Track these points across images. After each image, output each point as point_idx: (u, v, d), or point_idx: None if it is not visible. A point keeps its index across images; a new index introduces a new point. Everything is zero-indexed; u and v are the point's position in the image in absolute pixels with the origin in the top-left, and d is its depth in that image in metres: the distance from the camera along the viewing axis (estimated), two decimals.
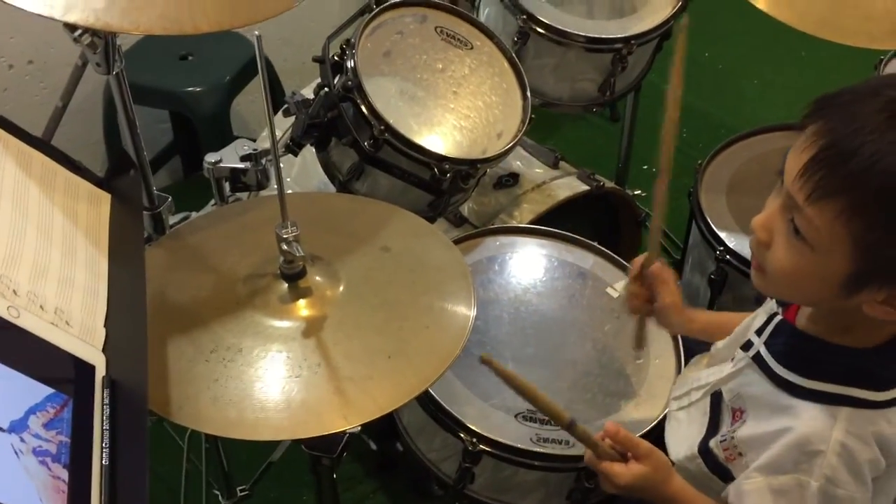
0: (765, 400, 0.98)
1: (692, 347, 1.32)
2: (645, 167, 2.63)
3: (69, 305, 0.87)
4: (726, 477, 1.03)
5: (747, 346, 1.03)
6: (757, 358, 1.00)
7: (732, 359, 1.07)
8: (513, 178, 1.73)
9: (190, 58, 2.29)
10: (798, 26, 1.44)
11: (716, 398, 1.08)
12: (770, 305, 1.06)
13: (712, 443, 1.04)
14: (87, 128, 2.30)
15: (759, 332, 1.03)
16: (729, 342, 1.14)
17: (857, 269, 0.84)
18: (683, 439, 1.11)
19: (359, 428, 1.25)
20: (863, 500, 0.92)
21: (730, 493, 1.00)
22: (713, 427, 1.06)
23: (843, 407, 0.91)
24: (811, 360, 0.95)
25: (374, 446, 1.80)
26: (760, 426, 0.97)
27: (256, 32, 0.88)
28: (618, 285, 1.46)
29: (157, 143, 2.51)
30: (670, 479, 1.05)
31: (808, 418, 0.92)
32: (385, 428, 1.49)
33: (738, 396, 1.03)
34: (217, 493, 1.77)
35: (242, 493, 1.78)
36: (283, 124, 2.01)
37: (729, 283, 1.57)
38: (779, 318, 1.01)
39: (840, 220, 0.82)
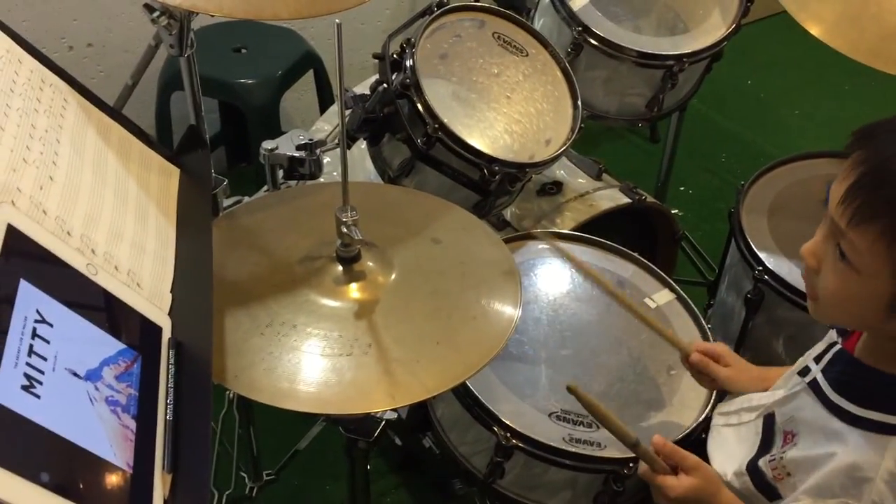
0: (817, 424, 1.00)
1: None
2: (682, 188, 2.65)
3: (140, 269, 0.91)
4: (772, 496, 1.05)
5: (804, 371, 1.06)
6: (813, 384, 1.03)
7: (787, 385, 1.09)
8: (556, 186, 1.76)
9: (243, 51, 2.35)
10: (850, 55, 1.46)
11: (769, 420, 1.10)
12: (830, 335, 1.08)
13: (762, 462, 1.06)
14: (140, 113, 2.36)
15: (817, 360, 1.05)
16: (784, 378, 1.15)
17: None
18: (732, 456, 1.13)
19: (395, 415, 1.29)
20: None
21: None
22: (764, 447, 1.08)
23: (894, 437, 0.93)
24: (865, 389, 0.97)
25: (398, 442, 1.83)
26: (811, 449, 0.99)
27: (337, 21, 0.91)
28: (656, 296, 1.48)
29: None
30: (720, 491, 1.07)
31: (858, 445, 0.94)
32: (416, 420, 1.52)
33: (791, 420, 1.05)
34: (244, 475, 1.81)
35: (269, 478, 1.82)
36: (328, 118, 2.06)
37: (765, 304, 1.58)
38: (838, 346, 1.04)
39: (881, 243, 0.86)
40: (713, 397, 1.33)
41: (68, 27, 2.24)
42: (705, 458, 1.16)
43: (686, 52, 1.74)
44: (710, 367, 1.25)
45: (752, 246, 1.58)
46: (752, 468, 1.08)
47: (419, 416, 1.43)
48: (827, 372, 1.02)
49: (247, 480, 1.80)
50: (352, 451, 1.25)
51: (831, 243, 0.92)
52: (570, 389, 1.08)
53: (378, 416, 1.20)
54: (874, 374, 0.97)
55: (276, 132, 2.33)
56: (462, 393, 1.29)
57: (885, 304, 0.89)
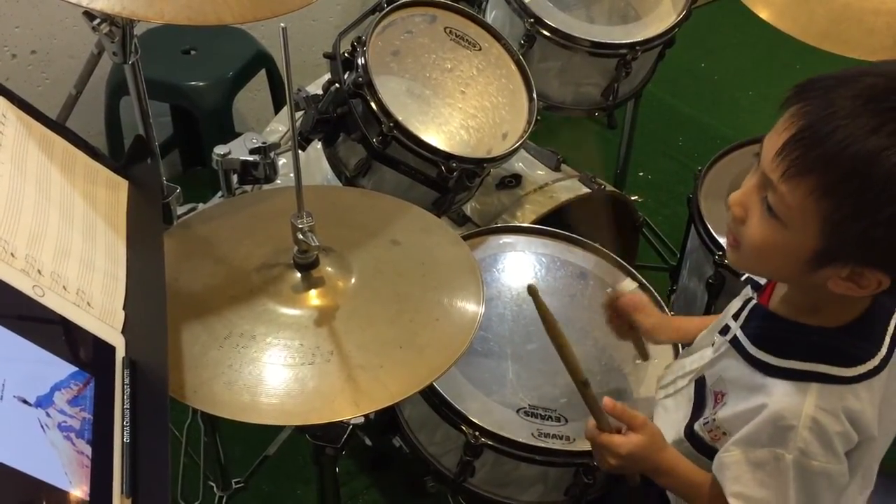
0: (742, 381, 1.02)
1: None
2: (641, 174, 2.66)
3: (90, 287, 0.88)
4: (713, 457, 1.07)
5: (725, 330, 1.08)
6: (734, 341, 1.05)
7: (713, 344, 1.12)
8: (515, 179, 1.75)
9: (193, 52, 2.31)
10: (801, 37, 1.46)
11: (699, 384, 1.12)
12: (745, 292, 1.10)
13: (697, 426, 1.09)
14: (89, 119, 2.31)
15: (735, 317, 1.07)
16: (708, 331, 1.19)
17: (824, 246, 0.88)
18: (671, 425, 1.15)
19: (362, 419, 1.28)
20: (837, 471, 0.96)
21: (714, 465, 1.04)
22: (697, 411, 1.11)
23: (813, 383, 0.95)
24: (783, 340, 1.00)
25: (368, 442, 1.82)
26: (739, 405, 1.02)
27: (282, 25, 0.89)
28: (619, 286, 1.48)
29: (157, 137, 2.52)
30: (665, 448, 1.10)
31: (780, 394, 0.96)
32: (384, 423, 1.51)
33: (719, 380, 1.07)
34: (213, 484, 1.78)
35: (238, 486, 1.79)
36: (282, 118, 2.03)
37: (726, 288, 1.59)
38: (753, 302, 1.06)
39: (811, 199, 0.86)
40: None
41: (10, 35, 2.18)
42: None
43: (639, 39, 1.74)
44: (636, 314, 1.27)
45: (712, 231, 1.59)
46: (689, 433, 1.10)
47: (387, 418, 1.41)
48: (745, 328, 1.04)
49: (215, 490, 1.77)
50: (320, 457, 1.24)
51: (759, 195, 0.92)
52: (530, 290, 1.05)
53: (345, 421, 1.18)
54: (790, 325, 0.99)
55: (230, 134, 2.29)
56: (429, 393, 1.27)
57: (806, 258, 0.90)
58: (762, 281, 1.08)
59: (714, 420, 1.05)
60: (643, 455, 1.08)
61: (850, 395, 0.95)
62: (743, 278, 1.13)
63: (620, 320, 1.30)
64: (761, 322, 1.03)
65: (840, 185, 0.84)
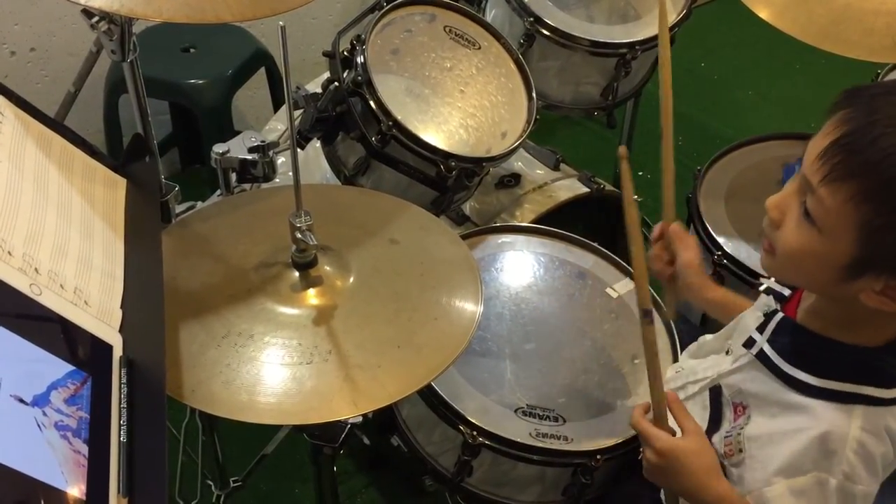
0: (771, 398, 1.00)
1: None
2: (641, 173, 2.66)
3: (87, 286, 0.88)
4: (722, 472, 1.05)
5: (749, 343, 1.05)
6: (761, 355, 1.02)
7: (727, 352, 1.09)
8: (514, 179, 1.75)
9: (192, 50, 2.31)
10: (800, 37, 1.46)
11: (715, 393, 1.10)
12: (766, 302, 1.08)
13: (716, 438, 1.06)
14: (88, 117, 2.31)
15: (760, 330, 1.04)
16: (719, 336, 1.16)
17: (859, 254, 0.87)
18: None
19: (360, 419, 1.28)
20: (873, 493, 0.95)
21: (754, 500, 1.00)
22: (715, 422, 1.08)
23: (858, 405, 0.93)
24: (818, 357, 0.97)
25: (367, 441, 1.81)
26: (771, 424, 0.99)
27: (281, 23, 0.89)
28: (617, 286, 1.48)
29: (156, 135, 2.52)
30: (713, 473, 1.01)
31: (824, 416, 0.94)
32: (382, 422, 1.51)
33: (739, 392, 1.05)
34: (210, 483, 1.78)
35: (235, 485, 1.79)
36: (281, 117, 2.03)
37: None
38: (780, 315, 1.03)
39: (850, 204, 0.85)
40: None
41: (9, 32, 2.18)
42: None
43: (638, 39, 1.74)
44: (678, 243, 1.28)
45: (711, 231, 1.59)
46: None
47: (385, 417, 1.41)
48: (774, 342, 1.01)
49: (213, 489, 1.77)
50: (317, 457, 1.24)
51: (798, 199, 0.91)
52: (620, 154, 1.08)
53: (343, 421, 1.18)
54: (823, 342, 0.97)
55: (229, 132, 2.29)
56: (426, 393, 1.27)
57: (841, 267, 0.89)
58: (786, 291, 1.06)
59: (739, 435, 1.02)
60: (682, 463, 1.01)
61: (889, 415, 0.94)
62: (762, 288, 1.10)
63: (663, 252, 1.30)
64: (795, 338, 1.00)
65: (881, 192, 0.84)
